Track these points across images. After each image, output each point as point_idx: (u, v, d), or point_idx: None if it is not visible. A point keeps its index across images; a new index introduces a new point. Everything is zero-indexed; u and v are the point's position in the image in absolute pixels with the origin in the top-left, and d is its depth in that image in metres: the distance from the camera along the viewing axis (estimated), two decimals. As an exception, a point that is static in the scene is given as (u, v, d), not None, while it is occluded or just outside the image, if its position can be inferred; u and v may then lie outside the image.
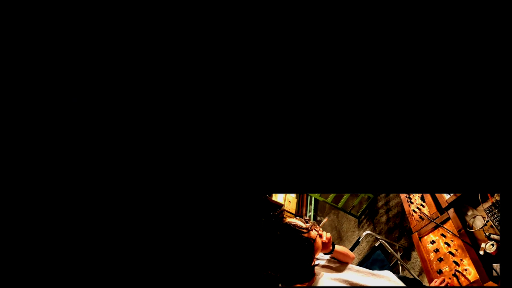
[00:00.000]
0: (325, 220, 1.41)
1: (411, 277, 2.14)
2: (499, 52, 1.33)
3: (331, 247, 1.28)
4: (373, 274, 1.25)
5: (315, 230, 1.24)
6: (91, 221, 1.38)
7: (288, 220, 1.22)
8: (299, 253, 1.14)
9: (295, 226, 1.20)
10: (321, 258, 1.32)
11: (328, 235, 1.29)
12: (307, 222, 1.26)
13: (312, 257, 1.17)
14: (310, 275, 1.17)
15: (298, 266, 1.14)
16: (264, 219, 1.33)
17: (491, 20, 1.33)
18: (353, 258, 1.39)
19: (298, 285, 1.16)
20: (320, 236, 1.25)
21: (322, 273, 1.21)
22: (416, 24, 1.37)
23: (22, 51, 1.40)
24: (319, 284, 1.17)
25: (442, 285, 1.47)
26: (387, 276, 1.27)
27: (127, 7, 1.42)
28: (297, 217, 1.30)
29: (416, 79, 1.39)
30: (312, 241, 1.19)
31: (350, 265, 1.29)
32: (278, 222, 1.21)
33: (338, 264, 1.28)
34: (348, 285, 1.17)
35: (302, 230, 1.19)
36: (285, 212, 3.70)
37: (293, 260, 1.13)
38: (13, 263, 1.33)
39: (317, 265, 1.27)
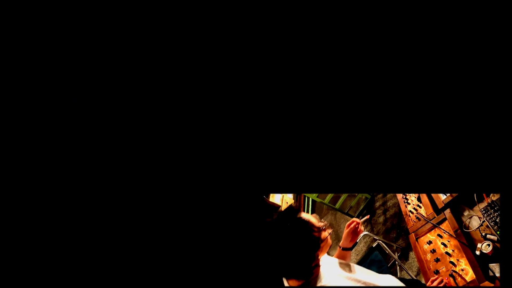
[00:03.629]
0: (366, 217, 1.47)
1: (409, 277, 2.15)
2: (497, 51, 1.34)
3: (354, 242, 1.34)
4: (375, 274, 1.27)
5: (328, 231, 1.25)
6: (91, 221, 1.38)
7: (303, 215, 1.22)
8: (301, 250, 1.13)
9: (308, 223, 1.19)
10: (326, 255, 1.33)
11: (362, 228, 1.36)
12: (323, 222, 1.27)
13: (313, 257, 1.17)
14: (308, 274, 1.17)
15: (298, 262, 1.13)
16: (280, 212, 1.34)
17: (491, 20, 1.34)
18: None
19: (295, 281, 1.15)
20: (359, 229, 1.30)
21: (327, 269, 1.22)
22: (414, 24, 1.38)
23: (22, 51, 1.40)
24: (323, 281, 1.17)
25: (441, 285, 1.47)
26: (388, 277, 1.28)
27: (126, 7, 1.43)
28: (314, 215, 1.31)
29: (413, 80, 1.40)
30: (320, 241, 1.19)
31: (352, 264, 1.30)
32: (292, 215, 1.20)
33: (342, 261, 1.29)
34: (354, 282, 1.18)
35: (313, 228, 1.19)
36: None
37: (294, 254, 1.13)
38: (13, 263, 1.32)
39: (319, 265, 1.27)
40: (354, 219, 1.36)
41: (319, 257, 1.20)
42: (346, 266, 1.28)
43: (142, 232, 1.39)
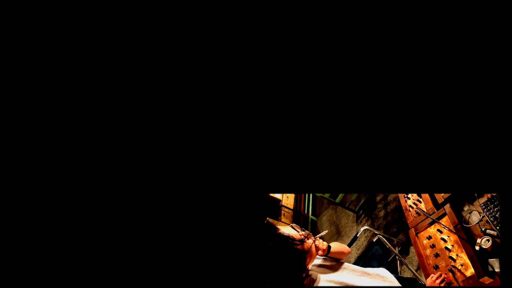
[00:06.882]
0: (325, 232, 1.39)
1: (407, 276, 2.14)
2: (496, 50, 1.33)
3: (326, 252, 1.27)
4: (368, 274, 1.24)
5: (311, 239, 1.22)
6: (91, 221, 1.38)
7: (282, 230, 1.19)
8: (289, 266, 1.11)
9: (288, 237, 1.16)
10: (316, 258, 1.31)
11: (325, 245, 1.27)
12: (303, 230, 1.24)
13: (303, 269, 1.14)
14: (300, 285, 1.15)
15: (288, 279, 1.11)
16: (257, 231, 1.30)
17: (491, 20, 1.32)
18: (349, 253, 1.38)
19: None
20: (317, 248, 1.23)
21: (317, 275, 1.20)
22: (414, 24, 1.37)
23: (22, 51, 1.40)
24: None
25: (438, 280, 1.47)
26: (382, 275, 1.27)
27: (126, 7, 1.42)
28: (292, 225, 1.27)
29: (413, 79, 1.38)
30: (305, 252, 1.17)
31: (345, 264, 1.28)
32: (271, 233, 1.18)
33: (334, 263, 1.27)
34: (343, 286, 1.16)
35: (295, 242, 1.16)
36: (279, 222, 3.72)
37: (283, 272, 1.10)
38: (12, 263, 1.33)
39: (310, 270, 1.25)
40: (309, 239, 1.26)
41: (308, 266, 1.18)
42: (332, 264, 1.25)
43: (143, 231, 1.39)
